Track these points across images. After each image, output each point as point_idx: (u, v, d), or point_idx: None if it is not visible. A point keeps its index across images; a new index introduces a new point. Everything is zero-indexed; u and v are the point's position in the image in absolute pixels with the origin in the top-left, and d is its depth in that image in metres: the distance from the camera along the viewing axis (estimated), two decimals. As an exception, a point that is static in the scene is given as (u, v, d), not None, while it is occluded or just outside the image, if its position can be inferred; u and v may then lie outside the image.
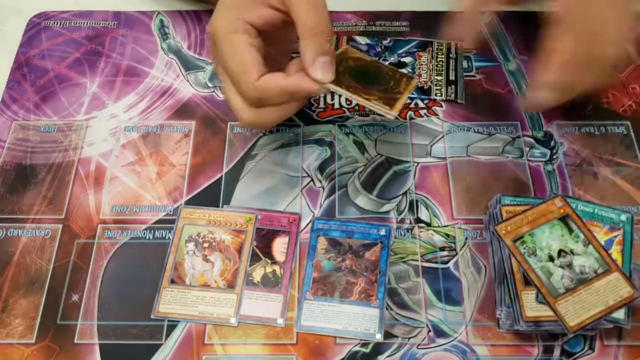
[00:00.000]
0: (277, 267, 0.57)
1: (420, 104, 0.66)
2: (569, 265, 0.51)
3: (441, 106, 0.66)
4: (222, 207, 0.60)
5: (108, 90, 0.68)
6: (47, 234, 0.59)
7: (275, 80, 0.47)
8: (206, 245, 0.57)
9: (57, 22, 0.74)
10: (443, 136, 0.64)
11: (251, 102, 0.50)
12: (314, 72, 0.48)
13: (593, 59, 0.50)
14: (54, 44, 0.72)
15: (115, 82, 0.69)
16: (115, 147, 0.64)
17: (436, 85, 0.66)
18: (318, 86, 0.48)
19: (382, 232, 0.58)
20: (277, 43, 0.53)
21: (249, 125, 0.54)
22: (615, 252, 0.52)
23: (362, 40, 0.70)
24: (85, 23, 0.74)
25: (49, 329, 0.54)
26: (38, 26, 0.74)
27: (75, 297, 0.55)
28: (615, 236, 0.53)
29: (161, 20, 0.74)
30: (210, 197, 0.61)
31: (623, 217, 0.54)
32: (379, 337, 0.53)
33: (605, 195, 0.60)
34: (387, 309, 0.55)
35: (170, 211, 0.60)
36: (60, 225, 0.59)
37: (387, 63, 0.67)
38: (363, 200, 0.60)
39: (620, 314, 0.49)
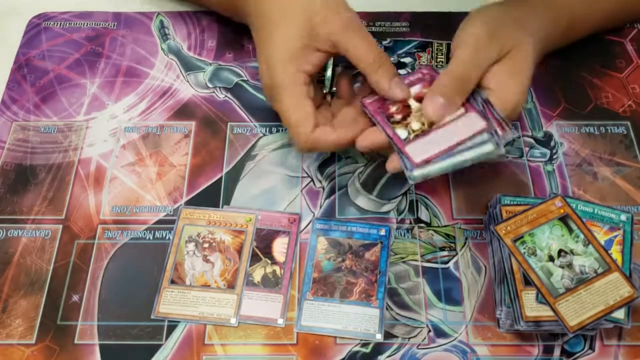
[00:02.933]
0: (277, 268, 0.57)
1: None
2: (569, 265, 0.51)
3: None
4: (222, 207, 0.60)
5: (108, 90, 0.68)
6: (47, 234, 0.59)
7: (325, 135, 0.52)
8: (206, 245, 0.57)
9: (57, 23, 0.74)
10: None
11: (303, 150, 0.57)
12: (394, 94, 0.52)
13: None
14: (54, 44, 0.72)
15: (115, 82, 0.69)
16: (116, 148, 0.64)
17: (436, 85, 0.66)
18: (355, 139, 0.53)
19: (382, 232, 0.58)
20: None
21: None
22: (615, 252, 0.52)
23: (362, 40, 0.70)
24: (85, 24, 0.74)
25: (49, 329, 0.54)
26: (38, 27, 0.74)
27: (75, 298, 0.55)
28: (615, 236, 0.53)
29: (161, 21, 0.74)
30: (210, 198, 0.61)
31: (623, 217, 0.54)
32: (379, 337, 0.53)
33: (605, 195, 0.60)
34: (387, 309, 0.55)
35: (171, 211, 0.60)
36: (61, 226, 0.59)
37: None
38: (363, 201, 0.60)
39: (620, 314, 0.49)
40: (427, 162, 0.49)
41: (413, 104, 0.53)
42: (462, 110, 0.51)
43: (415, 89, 0.53)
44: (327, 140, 0.52)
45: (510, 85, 0.52)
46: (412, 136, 0.51)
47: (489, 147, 0.49)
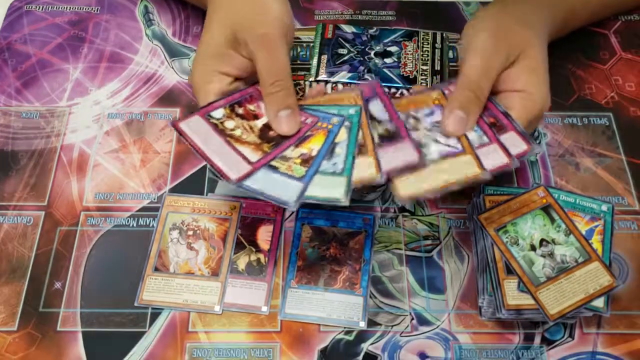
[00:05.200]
0: (261, 256, 0.57)
1: (406, 94, 0.66)
2: (551, 255, 0.51)
3: (426, 96, 0.66)
4: (206, 195, 0.60)
5: (91, 76, 0.67)
6: (29, 221, 0.58)
7: None
8: (190, 233, 0.57)
9: (39, 7, 0.73)
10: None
11: None
12: (278, 126, 0.50)
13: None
14: (36, 28, 0.71)
15: (99, 68, 0.68)
16: (99, 134, 0.63)
17: (422, 74, 0.66)
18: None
19: (367, 221, 0.58)
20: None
21: None
22: (596, 242, 0.53)
23: (349, 28, 0.69)
24: (68, 8, 0.73)
25: (31, 316, 0.54)
26: (19, 10, 0.73)
27: (57, 285, 0.55)
28: (596, 226, 0.54)
29: (145, 6, 0.73)
30: (195, 185, 0.60)
31: (604, 207, 0.55)
32: (362, 325, 0.53)
33: (587, 186, 0.61)
34: (370, 297, 0.55)
35: (154, 199, 0.60)
36: (43, 213, 0.59)
37: (373, 53, 0.67)
38: (348, 189, 0.60)
39: (599, 303, 0.50)
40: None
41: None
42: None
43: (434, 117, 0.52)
44: None
45: (535, 83, 0.52)
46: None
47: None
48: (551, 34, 0.59)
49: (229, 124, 0.50)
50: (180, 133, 0.48)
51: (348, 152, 0.48)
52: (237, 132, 0.50)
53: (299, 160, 0.48)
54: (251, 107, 0.52)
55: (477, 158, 0.48)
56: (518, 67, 0.52)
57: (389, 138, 0.49)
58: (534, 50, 0.53)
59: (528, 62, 0.52)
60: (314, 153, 0.48)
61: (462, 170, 0.48)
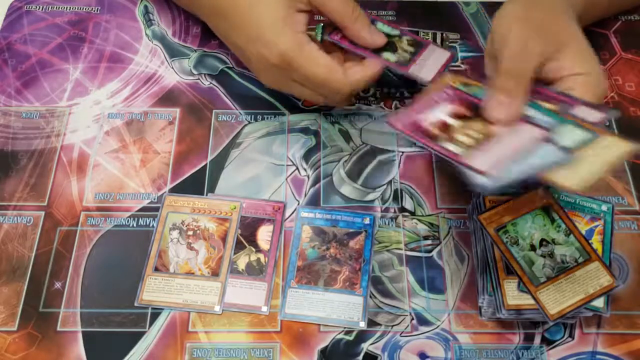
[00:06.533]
0: (261, 255, 0.57)
1: (406, 94, 0.66)
2: (551, 255, 0.51)
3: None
4: (206, 195, 0.60)
5: (91, 76, 0.67)
6: (29, 221, 0.58)
7: (364, 71, 0.55)
8: (190, 233, 0.57)
9: (39, 7, 0.73)
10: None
11: (342, 100, 0.58)
12: (375, 42, 0.56)
13: None
14: (36, 28, 0.71)
15: (99, 68, 0.68)
16: (99, 134, 0.63)
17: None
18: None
19: (367, 221, 0.58)
20: None
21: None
22: (596, 242, 0.53)
23: (348, 29, 0.70)
24: (68, 8, 0.73)
25: (31, 316, 0.54)
26: (19, 10, 0.73)
27: (58, 285, 0.55)
28: (596, 226, 0.54)
29: (145, 7, 0.73)
30: (195, 185, 0.60)
31: (604, 207, 0.55)
32: (362, 325, 0.53)
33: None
34: (370, 297, 0.55)
35: (154, 199, 0.60)
36: (43, 213, 0.59)
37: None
38: (348, 189, 0.60)
39: (599, 303, 0.50)
40: (496, 168, 0.46)
41: (452, 121, 0.51)
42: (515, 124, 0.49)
43: (446, 109, 0.52)
44: (366, 76, 0.55)
45: (592, 65, 0.51)
46: (466, 150, 0.48)
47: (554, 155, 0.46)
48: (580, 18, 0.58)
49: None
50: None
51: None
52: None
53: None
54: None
55: (617, 135, 0.48)
56: (569, 52, 0.51)
57: (416, 48, 0.58)
58: (578, 35, 0.52)
59: (577, 46, 0.52)
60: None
61: (610, 152, 0.46)
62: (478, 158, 0.46)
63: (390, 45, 0.58)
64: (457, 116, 0.51)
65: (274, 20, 0.53)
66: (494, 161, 0.46)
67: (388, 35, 0.59)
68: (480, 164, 0.45)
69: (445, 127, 0.50)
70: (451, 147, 0.48)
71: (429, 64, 0.57)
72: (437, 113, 0.52)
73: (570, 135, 0.47)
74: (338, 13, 0.54)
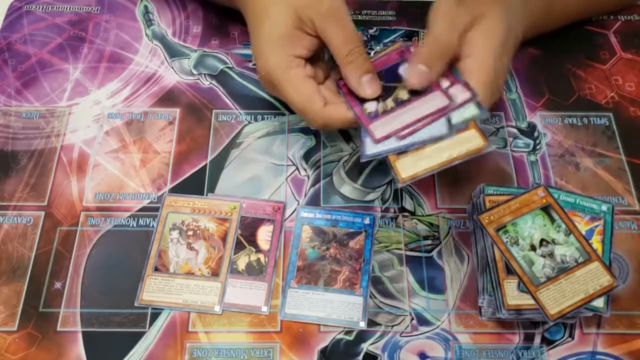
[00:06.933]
0: (261, 256, 0.57)
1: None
2: (551, 255, 0.51)
3: (426, 96, 0.66)
4: (206, 195, 0.60)
5: (91, 76, 0.67)
6: (29, 221, 0.58)
7: (339, 113, 0.52)
8: (190, 233, 0.57)
9: (39, 7, 0.73)
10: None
11: (318, 127, 0.54)
12: (363, 91, 0.52)
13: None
14: (36, 28, 0.71)
15: (99, 68, 0.68)
16: (99, 134, 0.63)
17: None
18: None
19: (367, 221, 0.58)
20: (318, 59, 0.56)
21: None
22: (596, 242, 0.53)
23: (348, 29, 0.70)
24: (68, 8, 0.73)
25: (31, 316, 0.54)
26: (19, 10, 0.73)
27: (58, 285, 0.55)
28: (596, 226, 0.54)
29: (145, 7, 0.73)
30: (195, 185, 0.60)
31: (604, 208, 0.55)
32: (362, 325, 0.53)
33: (587, 186, 0.61)
34: (370, 297, 0.55)
35: (154, 199, 0.60)
36: (43, 213, 0.59)
37: (373, 53, 0.67)
38: (348, 189, 0.60)
39: (599, 303, 0.50)
40: (386, 138, 0.49)
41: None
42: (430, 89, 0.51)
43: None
44: (342, 118, 0.52)
45: (483, 47, 0.51)
46: (380, 112, 0.51)
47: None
48: (528, 13, 0.59)
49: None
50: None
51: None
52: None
53: None
54: None
55: (482, 133, 0.49)
56: (473, 31, 0.52)
57: (416, 94, 0.52)
58: (493, 15, 0.52)
59: (482, 28, 0.52)
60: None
61: (464, 145, 0.49)
62: (379, 124, 0.50)
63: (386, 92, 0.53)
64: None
65: (271, 36, 0.53)
66: (387, 130, 0.50)
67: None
68: (377, 130, 0.50)
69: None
70: (370, 106, 0.52)
71: (399, 119, 0.52)
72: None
73: (462, 112, 0.50)
74: (334, 51, 0.52)
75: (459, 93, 0.50)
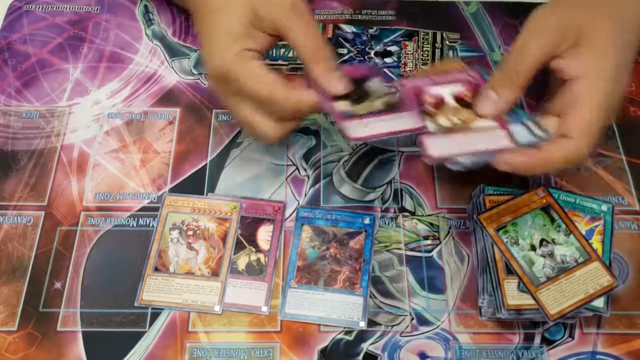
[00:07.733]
0: (261, 255, 0.57)
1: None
2: (551, 255, 0.51)
3: (426, 96, 0.66)
4: (206, 195, 0.60)
5: (91, 76, 0.67)
6: (29, 221, 0.58)
7: (309, 93, 0.50)
8: (190, 233, 0.57)
9: (39, 7, 0.73)
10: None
11: (284, 118, 0.51)
12: (333, 88, 0.50)
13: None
14: (36, 28, 0.71)
15: (99, 68, 0.68)
16: (99, 134, 0.63)
17: (422, 74, 0.66)
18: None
19: (367, 221, 0.58)
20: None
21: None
22: (596, 242, 0.53)
23: (349, 28, 0.70)
24: (68, 7, 0.73)
25: (31, 316, 0.54)
26: (19, 10, 0.73)
27: (57, 285, 0.55)
28: (596, 226, 0.54)
29: (145, 6, 0.73)
30: (195, 185, 0.60)
31: (604, 207, 0.55)
32: (362, 325, 0.53)
33: (587, 186, 0.61)
34: (371, 297, 0.55)
35: (154, 199, 0.60)
36: (43, 212, 0.59)
37: (373, 52, 0.67)
38: (348, 189, 0.60)
39: (599, 303, 0.50)
40: (440, 158, 0.48)
41: (450, 100, 0.51)
42: (496, 124, 0.50)
43: (456, 88, 0.52)
44: (312, 98, 0.50)
45: (594, 70, 0.48)
46: (437, 131, 0.49)
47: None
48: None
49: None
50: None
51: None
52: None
53: None
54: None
55: (509, 133, 0.49)
56: (575, 50, 0.48)
57: (390, 108, 0.50)
58: (599, 33, 0.48)
59: (588, 48, 0.48)
60: None
61: (495, 141, 0.48)
62: (435, 142, 0.49)
63: (358, 96, 0.52)
64: (458, 98, 0.51)
65: (229, 31, 0.51)
66: (444, 150, 0.48)
67: (366, 90, 0.52)
68: (433, 148, 0.48)
69: (440, 103, 0.51)
70: (427, 123, 0.50)
71: (374, 126, 0.50)
72: (444, 88, 0.52)
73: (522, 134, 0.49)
74: (299, 50, 0.50)
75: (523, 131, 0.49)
